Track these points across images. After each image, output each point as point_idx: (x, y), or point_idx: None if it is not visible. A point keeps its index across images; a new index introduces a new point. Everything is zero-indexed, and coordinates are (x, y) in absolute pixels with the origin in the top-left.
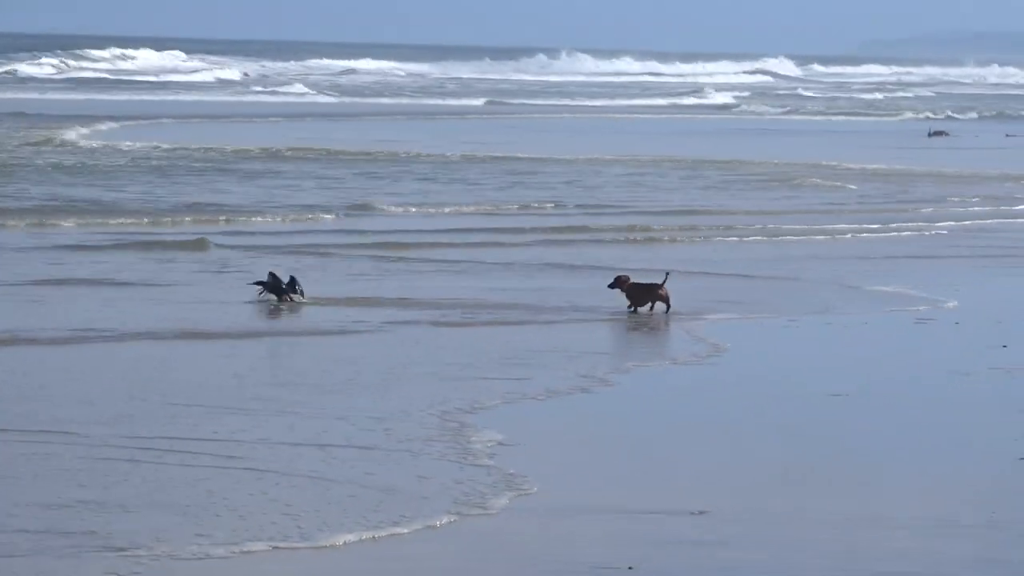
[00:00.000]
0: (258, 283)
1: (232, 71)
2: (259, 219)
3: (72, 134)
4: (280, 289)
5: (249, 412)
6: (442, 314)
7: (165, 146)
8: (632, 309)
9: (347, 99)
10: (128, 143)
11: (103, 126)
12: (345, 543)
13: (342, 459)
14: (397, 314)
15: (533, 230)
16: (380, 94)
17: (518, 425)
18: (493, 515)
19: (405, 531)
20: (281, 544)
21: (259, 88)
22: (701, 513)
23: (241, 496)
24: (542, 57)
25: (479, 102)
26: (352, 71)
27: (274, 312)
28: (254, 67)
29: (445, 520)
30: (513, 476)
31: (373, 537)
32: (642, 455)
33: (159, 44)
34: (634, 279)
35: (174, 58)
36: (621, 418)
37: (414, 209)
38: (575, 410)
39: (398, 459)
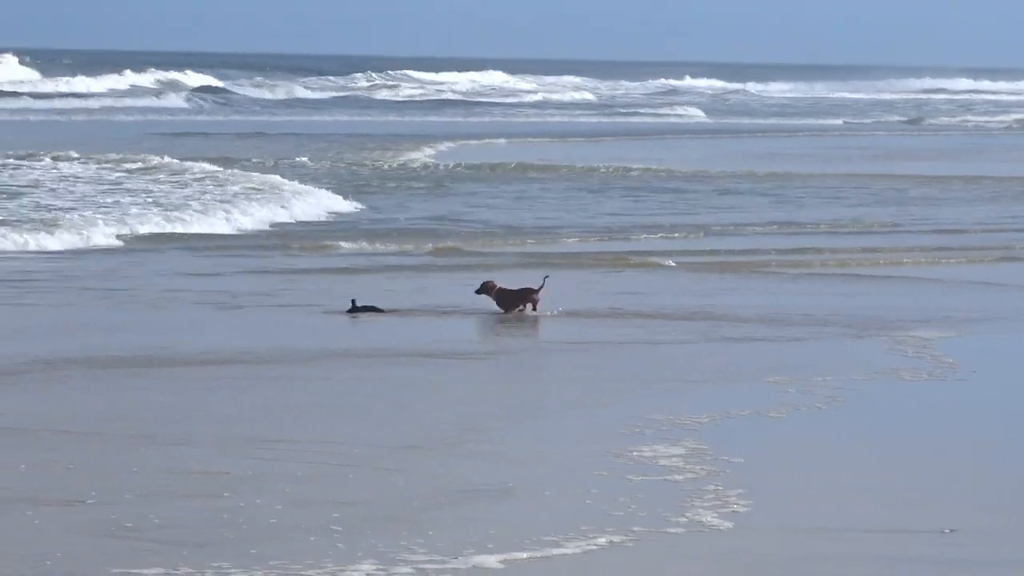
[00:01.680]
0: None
1: (579, 92)
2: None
3: (424, 152)
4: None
5: None
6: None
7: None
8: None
9: (720, 120)
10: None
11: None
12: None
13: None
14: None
15: None
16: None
17: (751, 442)
18: (724, 531)
19: (630, 544)
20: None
21: (622, 109)
22: (951, 531)
23: None
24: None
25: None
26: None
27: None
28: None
29: (675, 531)
30: (745, 492)
31: (609, 542)
32: (880, 473)
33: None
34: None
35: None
36: (855, 435)
37: None
38: (807, 427)
39: (620, 467)
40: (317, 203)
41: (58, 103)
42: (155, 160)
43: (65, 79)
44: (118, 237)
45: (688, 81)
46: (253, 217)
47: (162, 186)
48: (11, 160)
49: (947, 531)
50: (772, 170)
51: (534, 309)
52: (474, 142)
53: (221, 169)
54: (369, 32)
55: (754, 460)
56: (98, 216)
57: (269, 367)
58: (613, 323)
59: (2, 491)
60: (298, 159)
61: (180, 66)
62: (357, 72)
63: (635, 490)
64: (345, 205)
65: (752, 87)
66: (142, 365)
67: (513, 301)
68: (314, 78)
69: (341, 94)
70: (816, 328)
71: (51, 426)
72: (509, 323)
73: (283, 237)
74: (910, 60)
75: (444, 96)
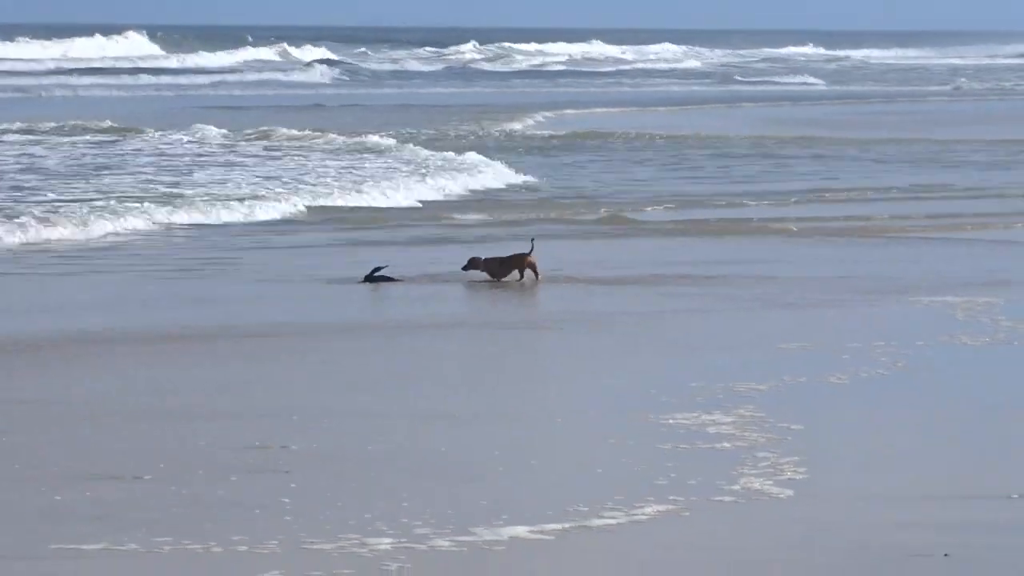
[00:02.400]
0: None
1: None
2: None
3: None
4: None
5: None
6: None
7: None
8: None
9: (838, 87)
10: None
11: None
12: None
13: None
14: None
15: None
16: (866, 80)
17: (815, 408)
18: (783, 499)
19: (686, 511)
20: None
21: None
22: (1021, 497)
23: None
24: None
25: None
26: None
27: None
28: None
29: (728, 500)
30: (807, 459)
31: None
32: (946, 439)
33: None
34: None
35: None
36: (919, 401)
37: None
38: (872, 393)
39: (681, 434)
40: (496, 175)
41: (197, 78)
42: (334, 136)
43: (196, 54)
44: (308, 208)
45: (790, 49)
46: (443, 189)
47: (341, 159)
48: (183, 136)
49: (1015, 496)
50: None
51: (535, 274)
52: (599, 110)
53: (394, 143)
54: (471, 4)
55: (814, 426)
56: (302, 187)
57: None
58: (688, 288)
59: (62, 467)
60: (452, 129)
61: (291, 40)
62: (461, 43)
63: (689, 457)
64: (519, 177)
65: (853, 54)
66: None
67: (504, 268)
68: (421, 49)
69: (448, 65)
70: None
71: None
72: (592, 292)
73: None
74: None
75: (551, 67)
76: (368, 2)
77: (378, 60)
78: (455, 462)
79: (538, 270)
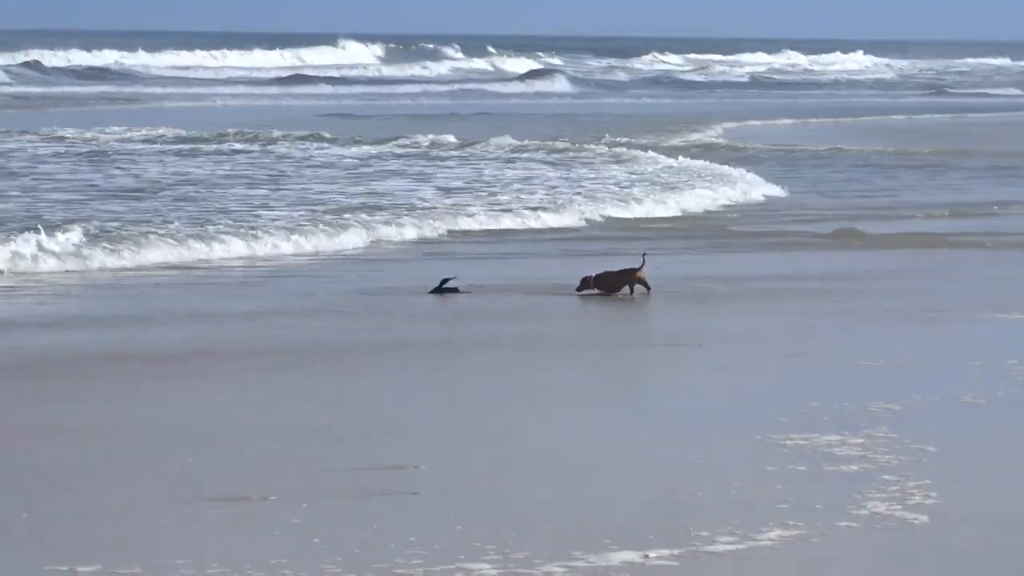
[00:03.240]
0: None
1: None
2: None
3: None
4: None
5: None
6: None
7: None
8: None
9: None
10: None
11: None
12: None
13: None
14: None
15: None
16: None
17: (943, 428)
18: (917, 524)
19: (814, 539)
20: None
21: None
22: None
23: None
24: None
25: None
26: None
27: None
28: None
29: (855, 525)
30: (937, 483)
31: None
32: None
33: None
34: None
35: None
36: None
37: None
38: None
39: (798, 456)
40: (749, 186)
41: (433, 87)
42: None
43: (419, 64)
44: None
45: (971, 60)
46: (706, 199)
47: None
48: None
49: None
50: None
51: (647, 288)
52: (814, 120)
53: (648, 153)
54: (650, 13)
55: (947, 448)
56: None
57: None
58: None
59: (173, 489)
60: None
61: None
62: (644, 54)
63: (813, 480)
64: (771, 187)
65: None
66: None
67: (615, 283)
68: (614, 60)
69: (651, 76)
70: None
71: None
72: (718, 311)
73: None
74: None
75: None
76: (538, 11)
77: (586, 70)
78: (571, 481)
79: (649, 284)
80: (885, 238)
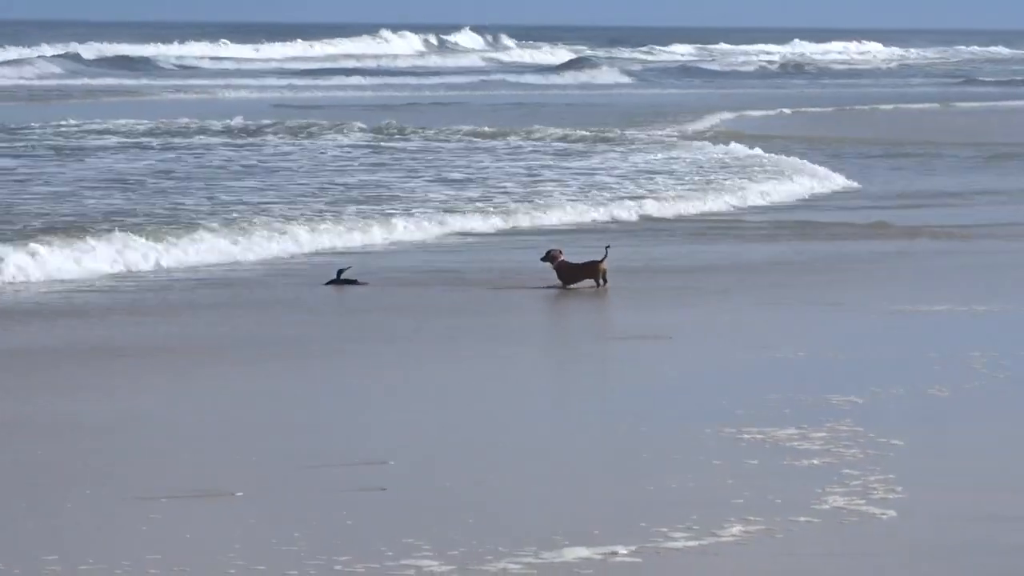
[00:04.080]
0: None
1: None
2: None
3: None
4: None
5: None
6: None
7: None
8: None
9: None
10: None
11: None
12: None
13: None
14: None
15: None
16: None
17: (916, 422)
18: (884, 519)
19: (778, 534)
20: None
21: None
22: None
23: None
24: None
25: None
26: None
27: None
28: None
29: (817, 521)
30: (901, 477)
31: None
32: None
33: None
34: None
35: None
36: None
37: None
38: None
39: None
40: (818, 178)
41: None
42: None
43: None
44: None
45: (976, 48)
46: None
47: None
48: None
49: None
50: None
51: (605, 282)
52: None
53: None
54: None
55: (913, 442)
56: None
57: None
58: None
59: (135, 485)
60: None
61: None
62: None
63: (777, 474)
64: (838, 180)
65: None
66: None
67: (575, 275)
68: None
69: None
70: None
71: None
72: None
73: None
74: None
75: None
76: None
77: (624, 61)
78: (516, 478)
79: (607, 278)
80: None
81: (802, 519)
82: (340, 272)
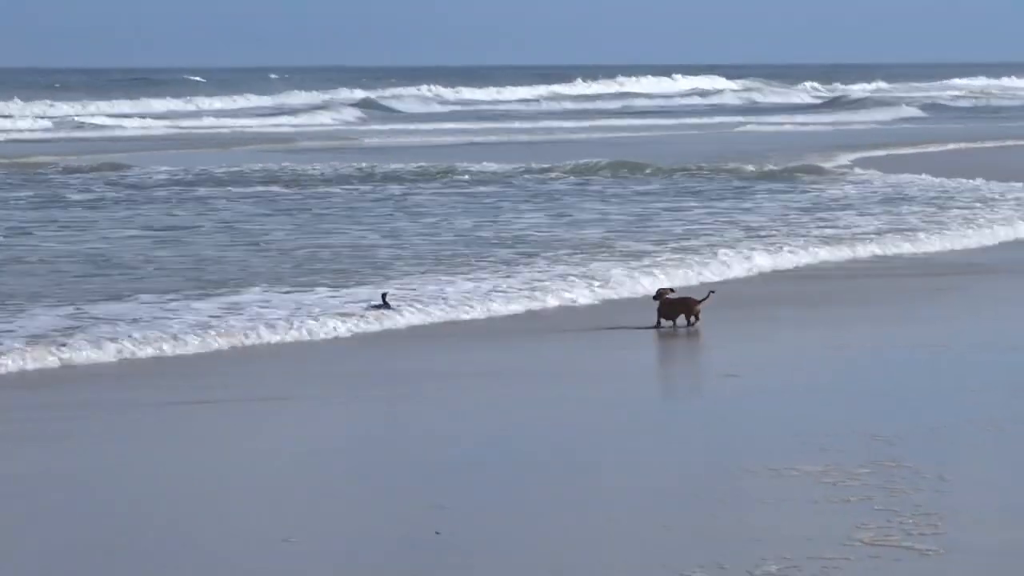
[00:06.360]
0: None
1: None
2: None
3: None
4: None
5: None
6: None
7: None
8: (658, 324)
9: None
10: None
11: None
12: None
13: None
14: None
15: None
16: None
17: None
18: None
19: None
20: None
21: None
22: None
23: None
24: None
25: None
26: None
27: None
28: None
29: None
30: (943, 512)
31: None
32: None
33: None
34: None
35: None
36: None
37: None
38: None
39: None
40: None
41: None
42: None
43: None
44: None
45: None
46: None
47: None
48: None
49: None
50: None
51: (697, 319)
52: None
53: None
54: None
55: (954, 475)
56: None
57: None
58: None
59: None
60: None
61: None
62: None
63: (808, 510)
64: None
65: None
66: None
67: (673, 310)
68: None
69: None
70: None
71: None
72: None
73: None
74: None
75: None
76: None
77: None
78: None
79: (700, 317)
80: None
81: (841, 556)
82: (384, 296)
